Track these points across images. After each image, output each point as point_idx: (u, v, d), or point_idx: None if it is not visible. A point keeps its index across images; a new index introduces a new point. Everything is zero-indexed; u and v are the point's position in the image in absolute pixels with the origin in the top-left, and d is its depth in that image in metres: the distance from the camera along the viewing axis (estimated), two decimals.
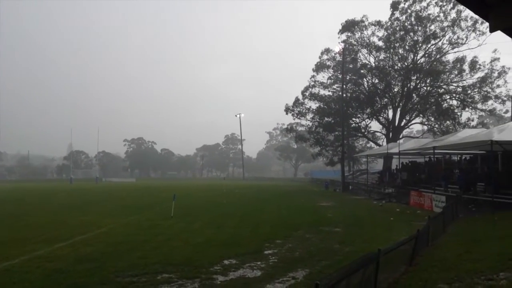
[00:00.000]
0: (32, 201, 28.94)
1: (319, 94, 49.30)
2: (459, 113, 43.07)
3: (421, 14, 42.26)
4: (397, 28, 43.63)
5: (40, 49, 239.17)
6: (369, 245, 10.52)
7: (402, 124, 46.63)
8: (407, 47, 44.02)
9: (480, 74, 42.09)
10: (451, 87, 44.57)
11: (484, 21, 5.13)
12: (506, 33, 4.04)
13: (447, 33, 42.09)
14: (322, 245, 11.42)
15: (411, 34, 43.13)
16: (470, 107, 42.93)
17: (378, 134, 51.04)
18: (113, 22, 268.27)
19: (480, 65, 41.84)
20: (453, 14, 41.12)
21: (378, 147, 47.38)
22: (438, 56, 44.18)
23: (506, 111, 43.45)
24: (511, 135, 16.25)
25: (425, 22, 42.32)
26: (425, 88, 45.16)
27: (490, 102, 42.25)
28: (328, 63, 49.70)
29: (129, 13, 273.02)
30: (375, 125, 50.33)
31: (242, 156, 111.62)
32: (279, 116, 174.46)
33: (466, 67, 42.71)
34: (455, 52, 43.02)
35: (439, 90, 44.57)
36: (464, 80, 43.24)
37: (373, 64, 45.83)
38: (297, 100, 49.50)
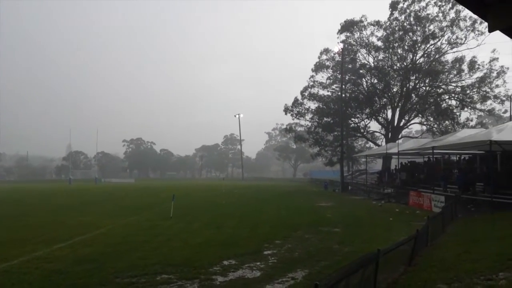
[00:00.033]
0: (31, 201, 28.90)
1: (318, 94, 49.34)
2: (458, 113, 43.15)
3: (420, 14, 42.31)
4: (396, 28, 43.69)
5: (40, 49, 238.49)
6: (369, 245, 10.52)
7: (401, 124, 46.68)
8: (406, 47, 44.08)
9: (479, 74, 42.20)
10: (450, 87, 44.63)
11: (483, 21, 5.13)
12: (505, 33, 4.04)
13: (446, 33, 42.18)
14: (321, 245, 11.42)
15: (410, 34, 43.19)
16: (469, 107, 42.99)
17: (377, 134, 51.10)
18: (113, 22, 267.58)
19: (479, 65, 41.93)
20: (452, 14, 41.24)
21: (377, 147, 47.40)
22: (437, 56, 44.23)
23: (505, 111, 43.49)
24: (510, 135, 16.26)
25: (424, 22, 42.37)
26: (424, 88, 45.21)
27: (489, 102, 42.36)
28: (327, 63, 49.76)
29: (129, 13, 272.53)
30: (374, 125, 50.43)
31: (241, 156, 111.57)
32: (278, 116, 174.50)
33: (465, 67, 42.79)
34: (454, 52, 43.17)
35: (438, 90, 44.62)
36: (463, 80, 43.33)
37: (372, 64, 45.89)
38: (296, 100, 49.53)
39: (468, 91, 42.88)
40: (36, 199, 31.71)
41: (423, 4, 42.17)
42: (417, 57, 44.74)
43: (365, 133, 50.03)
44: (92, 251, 10.56)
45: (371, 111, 46.01)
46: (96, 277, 8.05)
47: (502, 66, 41.20)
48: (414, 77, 44.65)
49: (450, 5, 40.76)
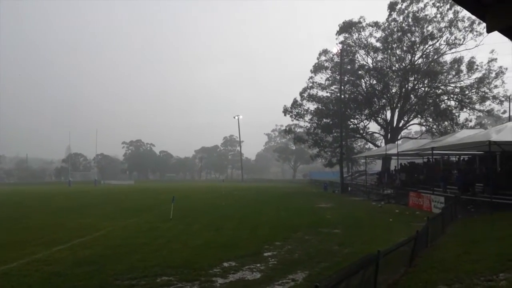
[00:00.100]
0: (30, 204, 28.85)
1: (317, 95, 49.37)
2: (457, 114, 43.18)
3: (418, 15, 42.38)
4: (395, 29, 43.74)
5: (37, 50, 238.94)
6: (369, 246, 10.52)
7: (400, 125, 46.70)
8: (404, 48, 44.15)
9: (477, 74, 42.21)
10: (449, 87, 44.68)
11: (481, 21, 5.13)
12: (503, 33, 4.05)
13: (444, 33, 42.22)
14: (321, 246, 11.41)
15: (409, 35, 43.24)
16: (468, 108, 43.02)
17: (376, 135, 51.12)
18: (110, 22, 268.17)
19: (477, 65, 41.95)
20: (450, 15, 41.27)
21: (376, 148, 47.41)
22: (435, 57, 44.28)
23: (504, 112, 43.56)
24: (509, 136, 16.27)
25: (422, 23, 42.44)
26: (423, 89, 45.25)
27: (488, 102, 42.36)
28: (326, 64, 49.75)
29: (126, 14, 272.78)
30: (373, 126, 50.48)
31: (240, 157, 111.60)
32: (278, 118, 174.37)
33: (463, 67, 42.83)
34: (452, 52, 43.18)
35: (437, 90, 44.67)
36: (462, 81, 43.36)
37: (371, 65, 45.91)
38: (295, 101, 49.55)
39: (467, 92, 42.92)
40: (35, 201, 31.65)
41: (421, 5, 42.30)
42: (416, 58, 44.81)
43: (364, 134, 50.06)
44: (92, 253, 10.55)
45: (370, 112, 46.03)
46: (96, 279, 8.04)
47: (500, 67, 41.30)
48: (413, 78, 44.68)
49: (448, 6, 40.81)
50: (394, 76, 45.56)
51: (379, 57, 45.65)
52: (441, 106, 43.45)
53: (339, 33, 46.30)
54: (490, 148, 16.54)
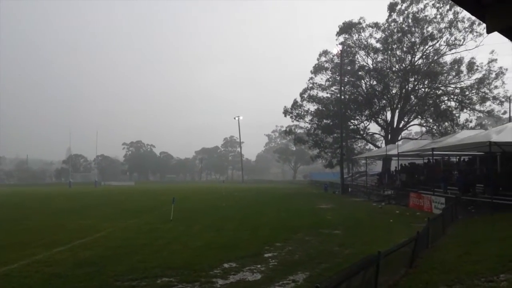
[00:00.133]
0: (31, 205, 28.85)
1: (317, 96, 49.39)
2: (457, 115, 43.17)
3: (418, 15, 42.42)
4: (395, 30, 43.78)
5: (37, 51, 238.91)
6: (369, 247, 10.50)
7: (401, 125, 46.71)
8: (404, 49, 44.18)
9: (477, 75, 42.27)
10: (449, 88, 44.70)
11: (481, 22, 5.13)
12: (503, 34, 4.05)
13: (444, 34, 42.27)
14: (322, 247, 11.40)
15: (409, 35, 43.27)
16: (468, 108, 43.03)
17: (376, 136, 51.14)
18: (109, 22, 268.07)
19: (477, 66, 42.00)
20: (450, 16, 41.35)
21: (377, 149, 47.44)
22: (435, 58, 44.31)
23: (504, 112, 43.66)
24: (509, 136, 16.28)
25: (422, 23, 42.49)
26: (423, 89, 45.26)
27: (488, 103, 42.40)
28: (326, 65, 49.80)
29: (126, 14, 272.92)
30: (373, 127, 50.49)
31: (241, 158, 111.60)
32: (278, 119, 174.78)
33: (463, 68, 42.88)
34: (452, 53, 43.26)
35: (437, 91, 44.67)
36: (462, 82, 43.40)
37: (371, 66, 45.96)
38: (295, 102, 49.59)
39: (467, 92, 42.94)
40: (36, 202, 31.66)
41: (421, 5, 42.38)
42: (416, 59, 44.87)
43: (364, 135, 50.07)
44: (92, 255, 10.54)
45: (371, 113, 46.04)
46: (96, 280, 8.04)
47: (500, 67, 41.35)
48: (413, 79, 44.71)
49: (448, 6, 40.84)
50: (394, 77, 45.58)
51: (379, 58, 45.73)
52: (441, 107, 43.46)
53: (339, 34, 46.37)
54: (491, 149, 16.55)
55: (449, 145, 20.74)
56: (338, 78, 45.19)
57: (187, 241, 12.60)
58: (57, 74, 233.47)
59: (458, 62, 42.91)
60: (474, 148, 19.44)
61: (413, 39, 43.39)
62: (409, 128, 53.39)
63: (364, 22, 45.05)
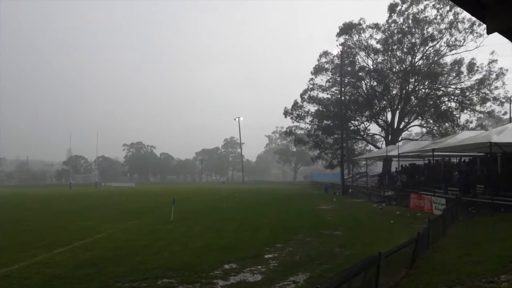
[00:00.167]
0: (31, 206, 28.87)
1: (317, 97, 49.37)
2: (457, 115, 43.18)
3: (418, 16, 42.43)
4: (395, 31, 43.80)
5: (37, 51, 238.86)
6: (370, 248, 10.50)
7: (401, 126, 46.71)
8: (405, 50, 44.19)
9: (478, 76, 42.26)
10: (449, 89, 44.70)
11: (481, 23, 5.13)
12: (503, 34, 4.05)
13: (444, 35, 42.27)
14: (322, 248, 11.40)
15: (409, 36, 43.27)
16: (469, 109, 43.02)
17: (377, 136, 51.11)
18: (109, 22, 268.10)
19: (478, 67, 41.99)
20: (450, 16, 41.35)
21: (377, 149, 47.39)
22: (436, 58, 44.31)
23: (505, 113, 43.62)
24: (510, 137, 16.27)
25: (422, 24, 42.50)
26: (423, 90, 45.27)
27: (488, 104, 42.41)
28: (327, 66, 49.81)
29: (126, 14, 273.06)
30: (374, 128, 50.45)
31: (241, 159, 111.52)
32: (278, 119, 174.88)
33: (464, 69, 42.87)
34: (453, 54, 43.25)
35: (438, 92, 44.67)
36: (462, 82, 43.39)
37: (371, 67, 45.96)
38: (296, 103, 49.58)
39: (467, 93, 42.93)
40: (36, 203, 31.68)
41: (421, 6, 42.37)
42: (416, 60, 44.87)
43: (365, 136, 50.07)
44: (93, 256, 10.54)
45: (371, 114, 46.04)
46: (96, 281, 8.04)
47: (501, 68, 41.34)
48: (413, 80, 44.72)
49: (448, 7, 40.87)
50: (395, 78, 45.58)
51: (380, 58, 45.73)
52: (442, 108, 43.46)
53: (339, 34, 46.38)
54: (491, 150, 16.54)
55: (449, 146, 20.74)
56: (338, 79, 45.21)
57: (187, 242, 12.59)
58: (57, 75, 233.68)
59: (458, 63, 42.94)
60: (475, 149, 19.44)
61: (413, 40, 43.40)
62: (409, 129, 53.52)
63: (364, 23, 45.11)
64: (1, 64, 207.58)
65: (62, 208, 26.72)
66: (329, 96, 49.92)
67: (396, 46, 44.05)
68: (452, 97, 44.28)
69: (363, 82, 46.93)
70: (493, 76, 41.43)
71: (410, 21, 42.86)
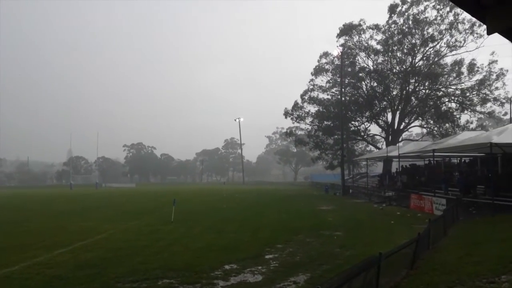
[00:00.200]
0: (31, 207, 28.87)
1: (318, 98, 49.34)
2: (458, 116, 43.14)
3: (418, 17, 42.43)
4: (395, 32, 43.80)
5: (37, 51, 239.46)
6: (370, 248, 10.50)
7: (401, 127, 46.69)
8: (405, 50, 44.19)
9: (478, 76, 42.21)
10: (449, 89, 44.67)
11: (482, 23, 5.15)
12: (503, 35, 4.05)
13: (444, 36, 42.27)
14: (322, 249, 11.40)
15: (409, 37, 43.27)
16: (469, 110, 42.98)
17: (377, 137, 51.12)
18: (109, 22, 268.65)
19: (478, 67, 41.95)
20: (450, 17, 41.34)
21: (377, 150, 47.36)
22: (436, 59, 44.31)
23: (505, 113, 43.53)
24: (510, 138, 16.26)
25: (422, 25, 42.50)
26: (423, 91, 45.26)
27: (489, 104, 42.34)
28: (327, 66, 49.80)
29: (126, 14, 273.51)
30: (374, 129, 50.43)
31: (242, 160, 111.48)
32: (279, 120, 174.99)
33: (464, 69, 42.83)
34: (453, 55, 43.23)
35: (438, 93, 44.65)
36: (463, 83, 43.36)
37: (372, 68, 45.97)
38: (296, 104, 49.55)
39: (467, 94, 42.91)
40: (37, 204, 31.68)
41: (421, 7, 42.37)
42: (417, 60, 44.85)
43: (365, 136, 50.06)
44: (93, 256, 10.54)
45: (371, 114, 46.03)
46: (97, 282, 8.04)
47: (501, 69, 41.30)
48: (414, 80, 44.71)
49: (448, 8, 40.88)
50: (395, 78, 45.58)
51: (380, 59, 45.72)
52: (442, 108, 43.43)
53: (339, 35, 46.40)
54: (492, 150, 16.52)
55: (450, 146, 20.73)
56: (339, 80, 45.21)
57: (188, 242, 12.60)
58: (57, 75, 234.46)
59: (458, 63, 42.92)
60: (475, 149, 19.43)
61: (413, 41, 43.40)
62: (409, 130, 53.49)
63: (365, 24, 45.13)
64: (1, 64, 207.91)
65: (63, 209, 26.72)
66: (329, 96, 49.94)
67: (396, 47, 44.06)
68: (453, 97, 44.27)
69: (363, 82, 46.92)
70: (494, 76, 41.43)
71: (410, 22, 42.87)
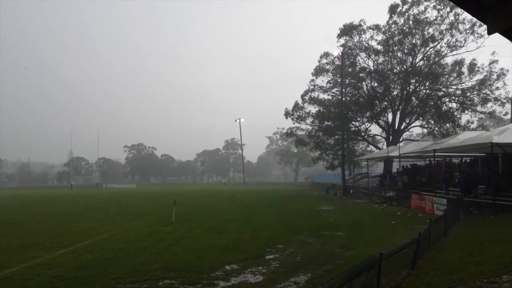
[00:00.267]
0: (32, 208, 28.87)
1: (318, 98, 49.36)
2: (458, 116, 43.15)
3: (419, 17, 42.46)
4: (396, 32, 43.83)
5: (38, 52, 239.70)
6: (371, 249, 10.48)
7: (402, 127, 46.67)
8: (405, 51, 44.20)
9: (479, 76, 42.25)
10: (450, 89, 44.67)
11: (482, 23, 5.15)
12: (504, 35, 4.06)
13: (445, 36, 42.30)
14: (323, 249, 11.39)
15: (409, 37, 43.29)
16: (470, 110, 42.97)
17: (378, 137, 51.12)
18: (110, 23, 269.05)
19: (479, 67, 41.98)
20: (451, 17, 41.39)
21: (378, 150, 47.37)
22: (436, 59, 44.31)
23: (506, 113, 43.50)
24: (511, 137, 16.23)
25: (423, 25, 42.52)
26: (424, 91, 45.26)
27: (489, 104, 42.36)
28: (327, 67, 49.82)
29: (127, 15, 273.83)
30: (375, 129, 50.45)
31: (242, 160, 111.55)
32: (279, 121, 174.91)
33: (465, 69, 42.87)
34: (453, 55, 43.28)
35: (438, 93, 44.64)
36: (463, 83, 43.38)
37: (372, 68, 45.97)
38: (296, 104, 49.56)
39: (468, 94, 42.91)
40: (37, 205, 31.68)
41: (422, 7, 42.42)
42: (417, 60, 44.87)
43: (366, 137, 50.04)
44: (94, 257, 10.54)
45: (372, 115, 46.01)
46: (98, 283, 8.04)
47: (502, 69, 41.33)
48: (414, 80, 44.72)
49: (448, 8, 40.92)
50: (396, 79, 45.58)
51: (380, 59, 45.73)
52: (443, 108, 43.42)
53: (340, 36, 46.41)
54: (492, 150, 16.50)
55: (450, 146, 20.71)
56: (339, 80, 45.22)
57: (188, 243, 12.59)
58: (57, 76, 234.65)
59: (459, 63, 42.94)
60: (476, 149, 19.40)
61: (414, 41, 43.42)
62: (410, 130, 53.47)
63: (365, 24, 45.17)
64: (1, 64, 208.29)
65: (63, 209, 26.73)
66: (329, 97, 49.96)
67: (396, 47, 44.06)
68: (453, 97, 44.25)
69: (364, 83, 46.92)
70: (494, 76, 41.46)
71: (410, 22, 42.89)
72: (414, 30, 42.97)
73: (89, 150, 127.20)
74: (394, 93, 46.31)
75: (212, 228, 15.77)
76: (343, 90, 43.94)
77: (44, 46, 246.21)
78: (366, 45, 45.88)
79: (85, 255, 10.90)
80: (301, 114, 49.36)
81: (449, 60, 44.09)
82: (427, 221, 10.94)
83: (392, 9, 43.64)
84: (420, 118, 46.09)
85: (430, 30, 42.69)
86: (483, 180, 19.55)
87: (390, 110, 46.67)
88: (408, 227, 15.36)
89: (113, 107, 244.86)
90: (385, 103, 46.25)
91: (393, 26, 43.97)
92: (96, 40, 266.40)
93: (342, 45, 45.88)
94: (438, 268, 7.89)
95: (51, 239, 13.81)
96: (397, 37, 43.60)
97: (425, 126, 47.53)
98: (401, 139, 46.58)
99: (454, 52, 42.78)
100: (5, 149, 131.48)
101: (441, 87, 44.34)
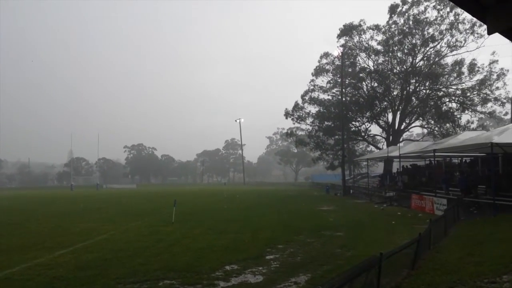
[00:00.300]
0: (33, 208, 28.86)
1: (318, 98, 49.37)
2: (458, 116, 43.17)
3: (419, 17, 42.48)
4: (396, 32, 43.85)
5: (38, 54, 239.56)
6: (371, 249, 10.48)
7: (402, 127, 46.68)
8: (405, 51, 44.22)
9: (479, 76, 42.28)
10: (450, 89, 44.68)
11: (482, 23, 5.15)
12: (504, 35, 4.06)
13: (445, 36, 42.32)
14: (323, 249, 11.39)
15: (410, 37, 43.31)
16: (470, 110, 42.98)
17: (378, 137, 51.12)
18: (110, 23, 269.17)
19: (479, 67, 42.00)
20: (451, 17, 41.42)
21: (378, 150, 47.37)
22: (437, 59, 44.33)
23: (506, 113, 43.51)
24: (511, 137, 16.23)
25: (423, 25, 42.54)
26: (424, 91, 45.27)
27: (489, 104, 42.38)
28: (327, 67, 49.83)
29: (127, 15, 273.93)
30: (375, 129, 50.46)
31: (242, 161, 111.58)
32: (279, 121, 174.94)
33: (465, 69, 42.89)
34: (453, 55, 43.32)
35: (439, 93, 44.65)
36: (463, 83, 43.40)
37: (372, 68, 45.99)
38: (296, 104, 49.56)
39: (468, 94, 42.92)
40: (38, 205, 31.67)
41: (422, 7, 42.44)
42: (417, 60, 44.88)
43: (366, 137, 50.04)
44: (94, 257, 10.54)
45: (372, 115, 46.02)
46: (98, 283, 8.04)
47: (502, 68, 41.36)
48: (414, 80, 44.73)
49: (448, 8, 40.93)
50: (396, 79, 45.59)
51: (380, 59, 45.75)
52: (443, 108, 43.43)
53: (340, 36, 46.42)
54: (492, 150, 16.50)
55: (450, 146, 20.71)
56: (339, 80, 45.22)
57: (188, 243, 12.58)
58: (57, 76, 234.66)
59: (459, 63, 42.95)
60: (476, 149, 19.40)
61: (414, 41, 43.44)
62: (410, 130, 53.49)
63: (365, 24, 45.19)
64: (1, 64, 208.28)
65: (63, 210, 26.73)
66: (330, 97, 49.97)
67: (396, 47, 44.08)
68: (453, 97, 44.26)
69: (364, 83, 46.92)
70: (494, 76, 41.49)
71: (410, 22, 42.91)
72: (414, 30, 42.99)
73: (89, 150, 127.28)
74: (394, 93, 46.33)
75: (212, 229, 15.77)
76: (343, 90, 43.94)
77: (43, 46, 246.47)
78: (366, 45, 45.94)
79: (85, 255, 10.90)
80: (301, 114, 49.39)
81: (449, 60, 44.22)
82: (427, 221, 10.94)
83: (392, 9, 43.65)
84: (420, 118, 46.11)
85: (430, 30, 42.77)
86: (483, 180, 19.55)
87: (390, 110, 46.68)
88: (408, 227, 15.36)
89: (113, 107, 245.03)
90: (385, 103, 46.26)
91: (393, 26, 44.01)
92: (96, 40, 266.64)
93: (342, 45, 45.91)
94: (438, 268, 7.88)
95: (51, 239, 13.81)
96: (397, 37, 43.62)
97: (425, 126, 47.56)
98: (401, 139, 46.60)
99: (454, 52, 42.88)
100: (5, 150, 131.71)
101: (441, 87, 44.35)
